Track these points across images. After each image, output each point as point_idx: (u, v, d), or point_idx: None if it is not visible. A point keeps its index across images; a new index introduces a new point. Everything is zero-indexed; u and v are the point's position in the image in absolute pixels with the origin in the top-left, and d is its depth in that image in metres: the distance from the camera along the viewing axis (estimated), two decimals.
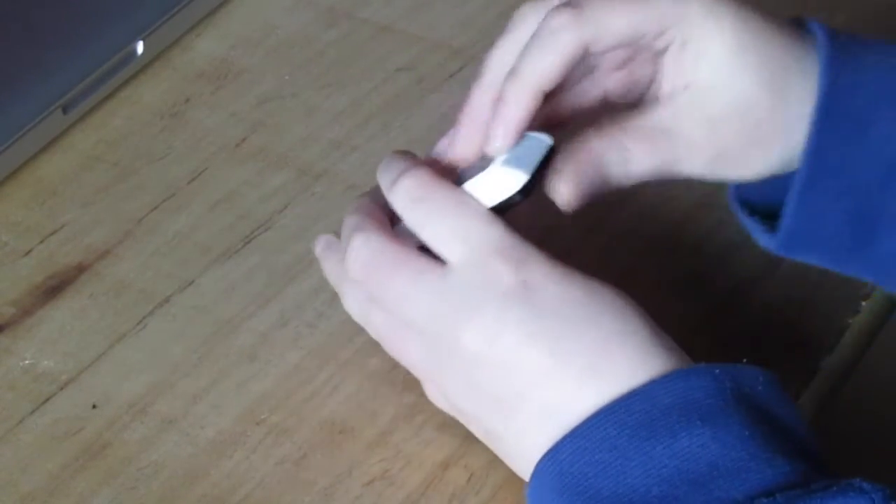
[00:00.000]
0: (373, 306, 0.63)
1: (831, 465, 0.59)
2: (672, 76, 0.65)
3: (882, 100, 0.64)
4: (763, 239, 0.69)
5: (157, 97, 0.86)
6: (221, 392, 0.70)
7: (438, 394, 0.64)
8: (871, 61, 0.65)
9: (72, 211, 0.79)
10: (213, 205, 0.80)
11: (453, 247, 0.61)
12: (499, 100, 0.64)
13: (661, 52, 0.65)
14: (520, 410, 0.60)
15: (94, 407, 0.69)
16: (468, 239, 0.61)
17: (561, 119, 0.68)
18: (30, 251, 0.77)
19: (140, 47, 0.86)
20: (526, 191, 0.63)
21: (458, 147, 0.66)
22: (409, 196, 0.63)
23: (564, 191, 0.63)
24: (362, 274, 0.63)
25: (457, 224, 0.62)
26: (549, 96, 0.64)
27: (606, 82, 0.68)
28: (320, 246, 0.68)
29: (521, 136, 0.64)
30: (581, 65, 0.65)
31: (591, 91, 0.68)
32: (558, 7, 0.63)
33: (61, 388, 0.70)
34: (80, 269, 0.76)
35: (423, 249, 0.63)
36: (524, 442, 0.60)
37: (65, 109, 0.82)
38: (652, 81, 0.67)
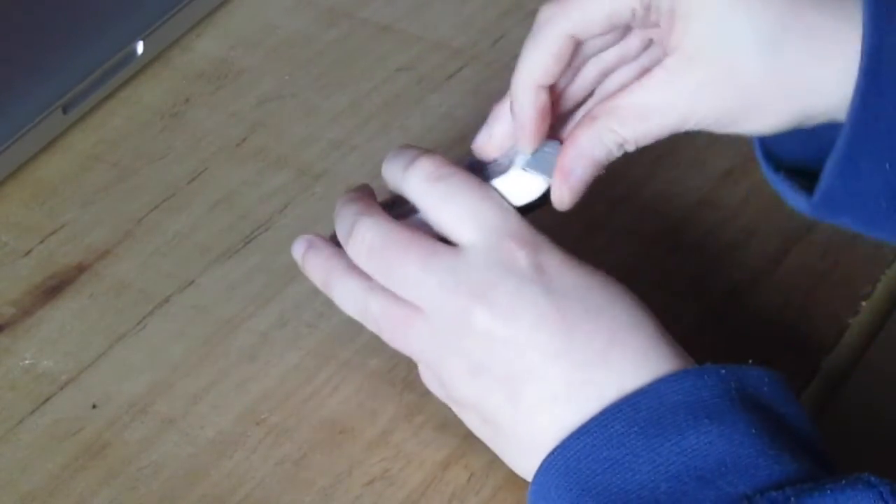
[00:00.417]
0: (370, 295, 0.63)
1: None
2: (664, 45, 0.64)
3: None
4: (794, 199, 0.67)
5: (157, 97, 0.86)
6: (221, 392, 0.70)
7: (435, 380, 0.64)
8: None
9: (72, 211, 0.79)
10: (213, 205, 0.80)
11: (469, 227, 0.62)
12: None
13: (654, 25, 0.64)
14: (526, 390, 0.60)
15: (94, 407, 0.69)
16: (485, 221, 0.62)
17: (577, 108, 0.68)
18: (30, 251, 0.77)
19: (140, 47, 0.86)
20: (545, 197, 0.64)
21: (480, 143, 0.67)
22: (428, 175, 0.63)
23: (556, 191, 0.64)
24: (369, 257, 0.63)
25: (475, 205, 0.62)
26: (556, 89, 0.65)
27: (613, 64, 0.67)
28: (302, 247, 0.67)
29: (541, 143, 0.65)
30: (580, 52, 0.65)
31: (597, 76, 0.67)
32: (547, 2, 0.64)
33: (61, 388, 0.70)
34: (80, 269, 0.76)
35: None
36: (527, 424, 0.60)
37: (65, 109, 0.82)
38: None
